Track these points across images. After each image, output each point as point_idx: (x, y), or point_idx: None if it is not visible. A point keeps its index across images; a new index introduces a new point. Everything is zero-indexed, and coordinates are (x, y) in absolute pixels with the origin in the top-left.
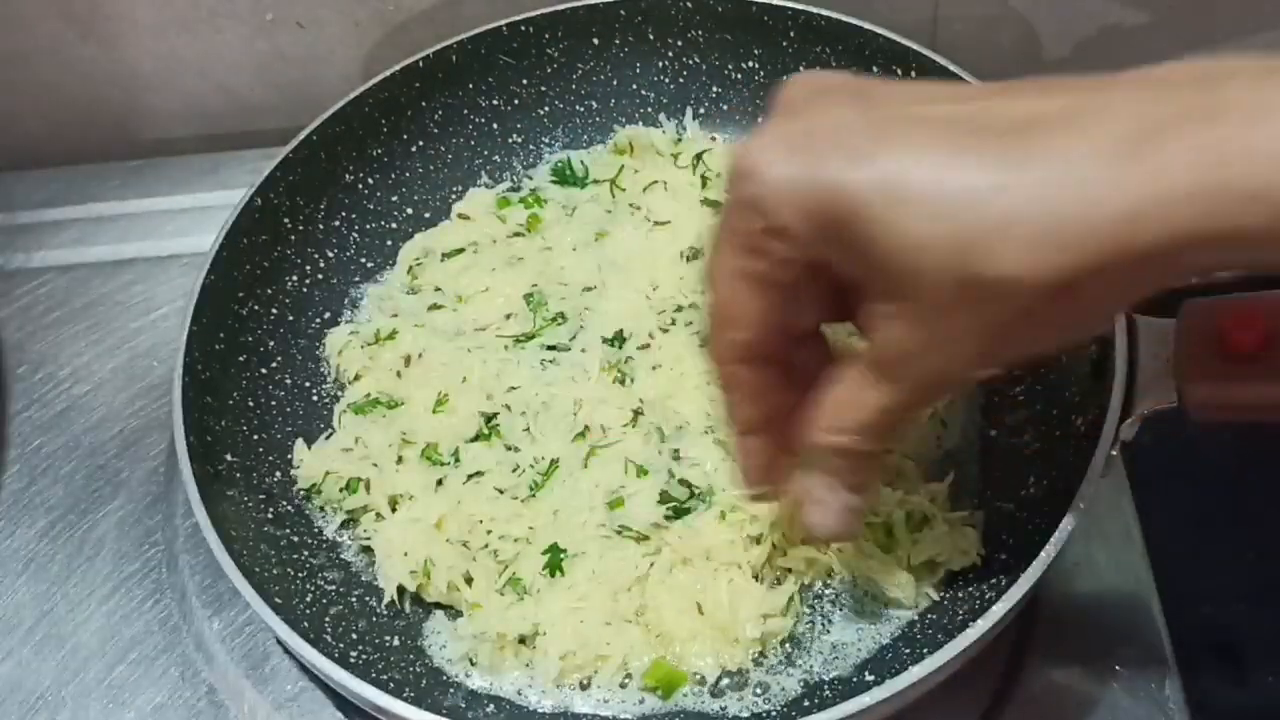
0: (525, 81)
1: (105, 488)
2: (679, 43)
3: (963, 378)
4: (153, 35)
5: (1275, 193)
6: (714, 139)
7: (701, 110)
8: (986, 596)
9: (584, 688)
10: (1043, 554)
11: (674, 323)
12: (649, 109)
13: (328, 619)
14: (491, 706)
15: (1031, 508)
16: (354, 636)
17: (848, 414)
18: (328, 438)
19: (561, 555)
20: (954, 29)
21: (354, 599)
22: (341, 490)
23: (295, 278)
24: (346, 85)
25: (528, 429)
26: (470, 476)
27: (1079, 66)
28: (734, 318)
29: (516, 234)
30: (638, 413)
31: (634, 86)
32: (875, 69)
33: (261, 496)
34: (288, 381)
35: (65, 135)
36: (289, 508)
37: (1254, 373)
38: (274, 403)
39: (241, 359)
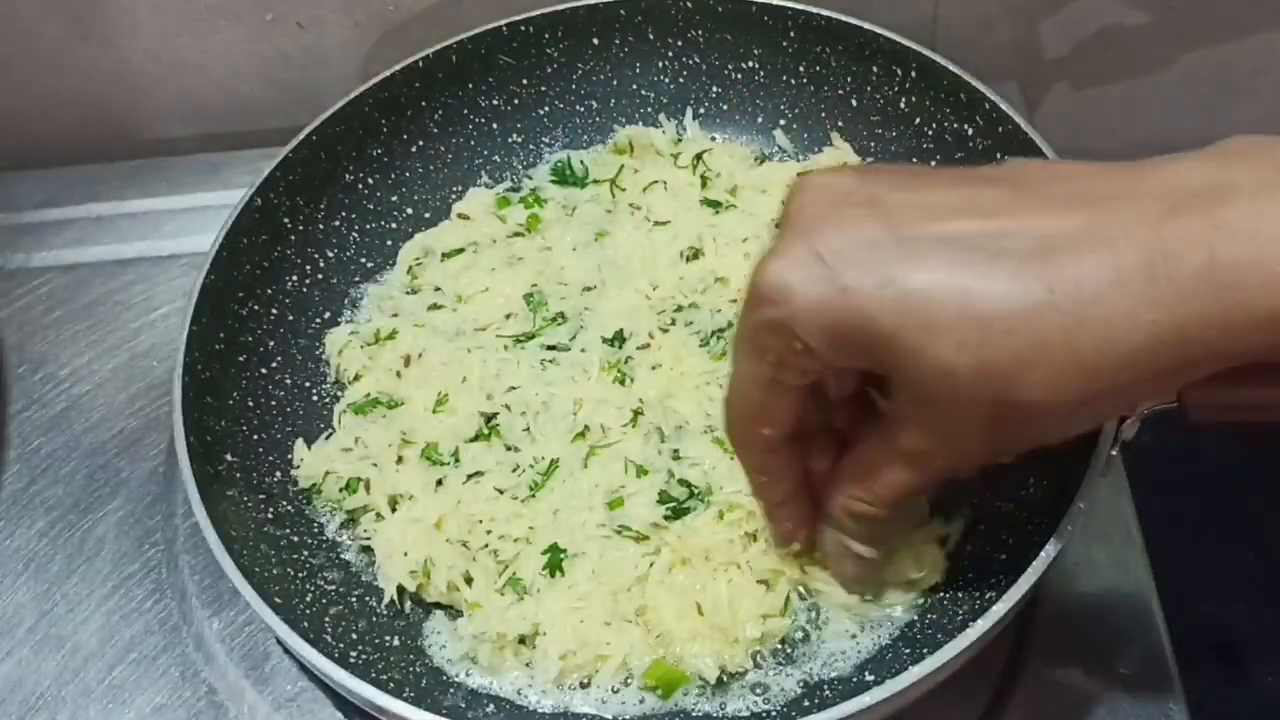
0: (525, 81)
1: (105, 488)
2: (679, 43)
3: (972, 466)
4: (153, 35)
5: None
6: (714, 139)
7: (701, 110)
8: (987, 596)
9: (584, 687)
10: (1043, 554)
11: (674, 323)
12: (649, 109)
13: (328, 619)
14: (491, 706)
15: (1031, 508)
16: (354, 636)
17: (865, 489)
18: (328, 438)
19: (561, 555)
20: (954, 29)
21: (354, 599)
22: (341, 490)
23: (295, 278)
24: (346, 85)
25: (528, 429)
26: (470, 476)
27: (1079, 66)
28: (762, 417)
29: (516, 234)
30: (637, 413)
31: (634, 86)
32: (875, 69)
33: (261, 496)
34: (288, 381)
35: (65, 135)
36: (289, 508)
37: (1254, 373)
38: (274, 403)
39: (241, 359)
